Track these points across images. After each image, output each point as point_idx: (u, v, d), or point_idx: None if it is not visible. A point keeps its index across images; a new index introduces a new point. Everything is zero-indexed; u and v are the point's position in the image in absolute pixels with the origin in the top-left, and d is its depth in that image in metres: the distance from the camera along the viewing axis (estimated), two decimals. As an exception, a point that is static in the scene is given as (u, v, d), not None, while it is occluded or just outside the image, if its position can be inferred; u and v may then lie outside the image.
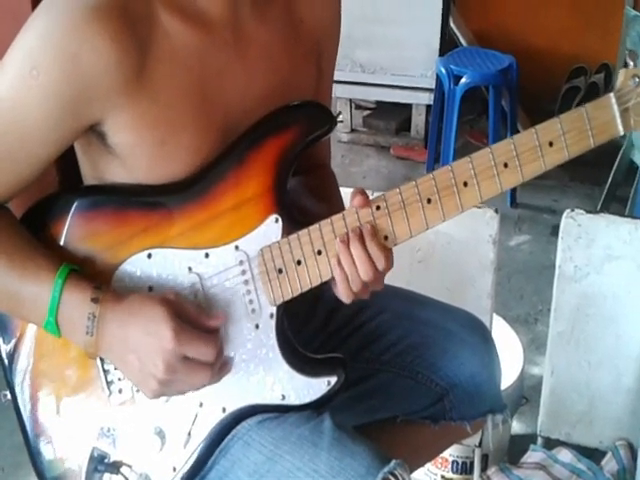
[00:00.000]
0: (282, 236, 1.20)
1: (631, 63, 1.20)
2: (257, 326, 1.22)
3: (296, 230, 1.20)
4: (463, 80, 3.72)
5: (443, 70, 3.80)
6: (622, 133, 1.17)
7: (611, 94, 1.15)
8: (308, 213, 1.29)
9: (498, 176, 1.17)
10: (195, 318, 1.14)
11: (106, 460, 1.24)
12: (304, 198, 1.36)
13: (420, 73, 4.23)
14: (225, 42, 1.18)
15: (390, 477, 1.15)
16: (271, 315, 1.22)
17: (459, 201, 1.18)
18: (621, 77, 1.16)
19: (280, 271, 1.20)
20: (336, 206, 1.35)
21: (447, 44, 4.20)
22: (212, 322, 1.16)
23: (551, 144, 1.16)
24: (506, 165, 1.16)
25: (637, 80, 1.15)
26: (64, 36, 1.06)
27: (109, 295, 1.14)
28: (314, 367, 1.26)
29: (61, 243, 1.20)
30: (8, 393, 1.26)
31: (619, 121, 1.15)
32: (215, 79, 1.18)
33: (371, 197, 1.19)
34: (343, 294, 1.20)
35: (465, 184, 1.17)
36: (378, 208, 1.18)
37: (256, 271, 1.21)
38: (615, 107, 1.15)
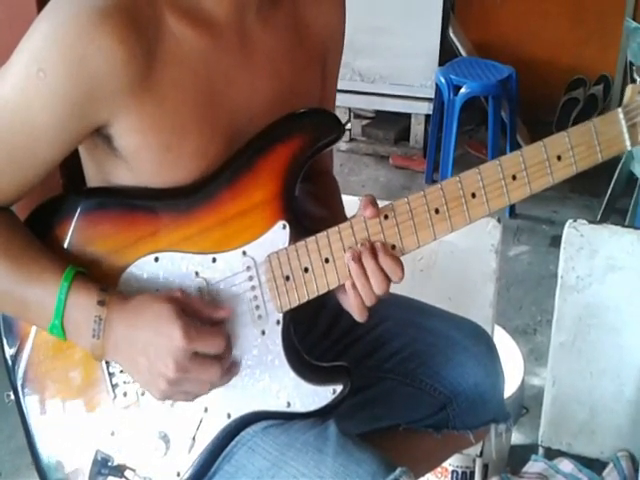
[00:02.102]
0: (290, 243, 1.20)
1: (638, 79, 1.20)
2: (263, 332, 1.22)
3: (304, 237, 1.19)
4: (462, 90, 3.74)
5: (442, 80, 3.82)
6: (629, 148, 1.17)
7: (619, 109, 1.16)
8: (311, 219, 1.29)
9: (506, 188, 1.17)
10: (201, 312, 1.15)
11: (110, 463, 1.23)
12: (306, 205, 1.36)
13: (420, 83, 4.24)
14: (231, 46, 1.18)
15: (396, 484, 1.15)
16: (277, 322, 1.22)
17: (467, 213, 1.18)
18: (628, 93, 1.16)
19: (287, 278, 1.20)
20: (338, 214, 1.35)
21: (447, 54, 4.21)
22: (218, 313, 1.17)
23: (559, 158, 1.16)
24: (514, 178, 1.16)
25: (644, 96, 1.15)
26: (70, 37, 1.06)
27: (115, 297, 1.14)
28: (320, 375, 1.26)
29: (66, 245, 1.20)
30: (12, 394, 1.26)
31: (627, 136, 1.16)
32: (221, 83, 1.18)
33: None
34: (359, 314, 1.21)
35: (473, 195, 1.17)
36: (386, 217, 1.18)
37: (263, 277, 1.20)
38: (623, 122, 1.16)
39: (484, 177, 1.16)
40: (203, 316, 1.14)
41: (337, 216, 1.28)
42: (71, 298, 1.13)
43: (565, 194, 3.96)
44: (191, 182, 1.18)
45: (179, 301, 1.13)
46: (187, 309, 1.13)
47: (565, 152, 1.15)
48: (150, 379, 1.13)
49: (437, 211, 1.17)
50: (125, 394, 1.22)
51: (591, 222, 1.79)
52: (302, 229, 1.20)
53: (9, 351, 1.24)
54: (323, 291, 1.20)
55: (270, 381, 1.23)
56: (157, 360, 1.11)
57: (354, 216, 1.19)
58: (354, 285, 1.18)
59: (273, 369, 1.23)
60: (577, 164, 1.16)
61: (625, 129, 1.15)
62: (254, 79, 1.21)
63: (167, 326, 1.10)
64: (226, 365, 1.15)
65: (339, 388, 1.25)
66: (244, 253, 1.20)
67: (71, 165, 1.26)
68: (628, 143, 1.16)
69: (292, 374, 1.24)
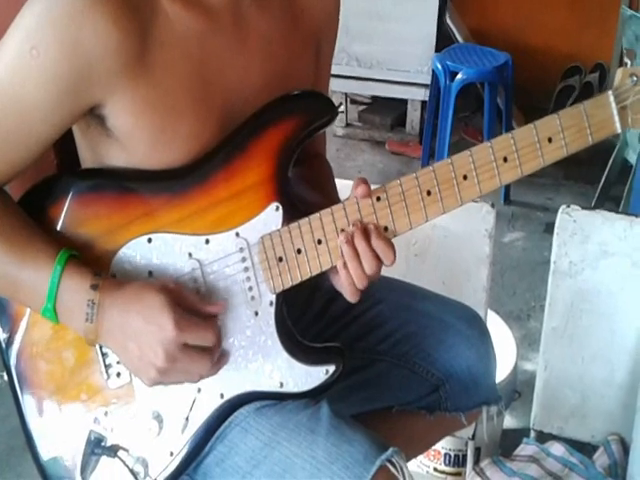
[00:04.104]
0: (283, 224, 1.20)
1: (628, 62, 1.21)
2: (256, 313, 1.23)
3: (297, 219, 1.20)
4: (459, 76, 3.73)
5: (439, 66, 3.81)
6: (619, 131, 1.18)
7: (609, 92, 1.16)
8: (304, 203, 1.30)
9: (497, 170, 1.18)
10: (194, 305, 1.15)
11: (103, 443, 1.23)
12: (300, 188, 1.36)
13: (416, 69, 4.24)
14: (226, 28, 1.18)
15: (388, 464, 1.15)
16: (270, 303, 1.23)
17: (459, 194, 1.18)
18: (619, 76, 1.17)
19: (280, 259, 1.21)
20: (331, 197, 1.35)
21: (443, 40, 4.21)
22: (211, 308, 1.17)
23: (550, 140, 1.17)
24: (505, 159, 1.17)
25: (635, 79, 1.16)
26: (64, 17, 1.06)
27: (108, 282, 1.14)
28: (313, 355, 1.27)
29: (59, 227, 1.20)
30: (5, 374, 1.26)
31: (617, 119, 1.17)
32: (215, 65, 1.18)
33: (368, 189, 1.20)
34: (350, 294, 1.22)
35: (465, 177, 1.18)
36: (378, 199, 1.19)
37: (256, 259, 1.21)
38: (613, 105, 1.16)
39: (476, 159, 1.17)
40: (196, 310, 1.15)
41: (330, 198, 1.28)
42: (64, 282, 1.13)
43: (560, 181, 3.97)
44: (185, 164, 1.18)
45: (173, 292, 1.13)
46: (180, 301, 1.13)
47: (556, 134, 1.16)
48: (140, 366, 1.14)
49: (429, 193, 1.18)
50: (119, 374, 1.22)
51: (584, 208, 1.79)
52: (295, 211, 1.21)
53: (2, 332, 1.25)
54: (316, 272, 1.21)
55: (263, 362, 1.24)
56: (147, 348, 1.11)
57: (347, 198, 1.20)
58: (345, 265, 1.19)
59: (266, 350, 1.24)
60: (568, 146, 1.17)
61: (615, 112, 1.16)
62: (248, 62, 1.21)
63: (158, 315, 1.10)
64: (215, 357, 1.16)
65: (332, 369, 1.26)
66: (237, 234, 1.20)
67: (65, 146, 1.26)
68: (618, 125, 1.17)
69: (285, 355, 1.24)
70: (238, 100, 1.21)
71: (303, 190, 1.36)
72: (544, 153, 1.17)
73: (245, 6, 1.20)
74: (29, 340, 1.24)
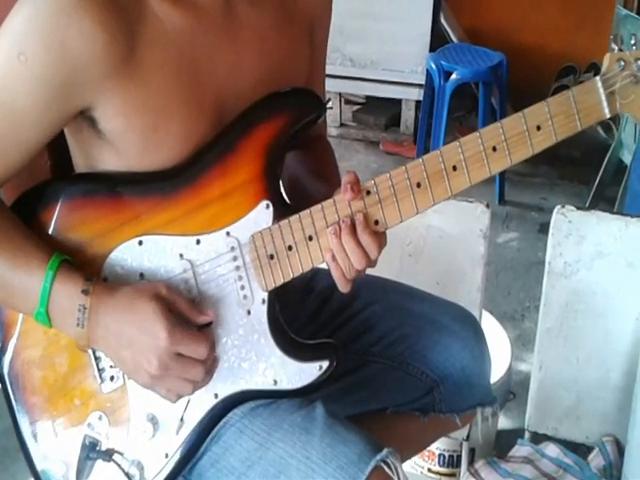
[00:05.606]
0: (273, 222, 1.20)
1: (615, 47, 1.21)
2: (249, 312, 1.22)
3: (287, 216, 1.19)
4: (453, 76, 3.74)
5: (433, 66, 3.81)
6: (608, 116, 1.18)
7: (597, 78, 1.16)
8: (304, 188, 1.29)
9: (487, 160, 1.17)
10: (187, 314, 1.15)
11: (98, 448, 1.23)
12: (301, 172, 1.36)
13: (410, 68, 4.24)
14: (216, 25, 1.17)
15: (382, 465, 1.15)
16: (263, 301, 1.22)
17: (448, 185, 1.18)
18: (606, 61, 1.17)
19: (271, 257, 1.20)
20: (332, 180, 1.32)
21: (438, 40, 4.21)
22: (202, 318, 1.16)
23: (539, 128, 1.16)
24: (495, 149, 1.17)
25: (622, 64, 1.16)
26: (51, 21, 1.05)
27: (100, 287, 1.13)
28: (306, 352, 1.26)
29: (51, 231, 1.19)
30: None
31: (605, 104, 1.17)
32: (206, 63, 1.17)
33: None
34: (341, 285, 1.21)
35: (454, 168, 1.17)
36: (368, 193, 1.18)
37: (247, 257, 1.20)
38: (601, 91, 1.16)
39: (465, 150, 1.17)
40: (188, 319, 1.15)
41: (331, 182, 1.26)
42: (56, 286, 1.12)
43: (554, 181, 3.96)
44: (176, 164, 1.17)
45: (165, 299, 1.12)
46: (173, 307, 1.13)
47: (544, 122, 1.16)
48: (134, 371, 1.14)
49: (419, 185, 1.17)
50: (112, 378, 1.21)
51: (579, 208, 1.79)
52: (286, 208, 1.20)
53: None
54: (307, 268, 1.20)
55: (257, 360, 1.24)
56: (140, 356, 1.11)
57: (338, 192, 1.19)
58: (334, 257, 1.18)
59: (259, 348, 1.23)
60: (557, 133, 1.16)
61: (603, 97, 1.16)
62: (240, 58, 1.20)
63: (151, 325, 1.10)
64: (209, 365, 1.16)
65: (325, 364, 1.26)
66: (228, 234, 1.19)
67: (59, 149, 1.25)
68: (607, 111, 1.17)
69: (278, 352, 1.24)
70: (230, 97, 1.20)
71: (304, 176, 1.35)
72: (533, 141, 1.16)
73: (237, 2, 1.19)
74: (22, 347, 1.23)
